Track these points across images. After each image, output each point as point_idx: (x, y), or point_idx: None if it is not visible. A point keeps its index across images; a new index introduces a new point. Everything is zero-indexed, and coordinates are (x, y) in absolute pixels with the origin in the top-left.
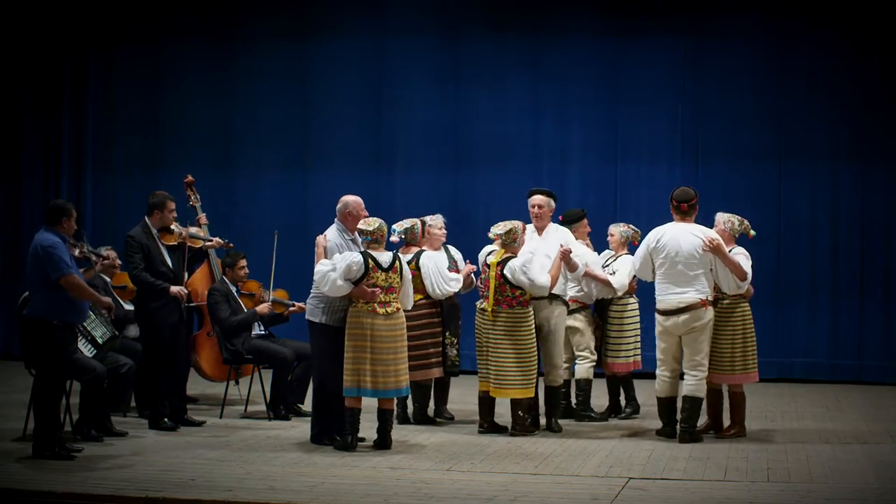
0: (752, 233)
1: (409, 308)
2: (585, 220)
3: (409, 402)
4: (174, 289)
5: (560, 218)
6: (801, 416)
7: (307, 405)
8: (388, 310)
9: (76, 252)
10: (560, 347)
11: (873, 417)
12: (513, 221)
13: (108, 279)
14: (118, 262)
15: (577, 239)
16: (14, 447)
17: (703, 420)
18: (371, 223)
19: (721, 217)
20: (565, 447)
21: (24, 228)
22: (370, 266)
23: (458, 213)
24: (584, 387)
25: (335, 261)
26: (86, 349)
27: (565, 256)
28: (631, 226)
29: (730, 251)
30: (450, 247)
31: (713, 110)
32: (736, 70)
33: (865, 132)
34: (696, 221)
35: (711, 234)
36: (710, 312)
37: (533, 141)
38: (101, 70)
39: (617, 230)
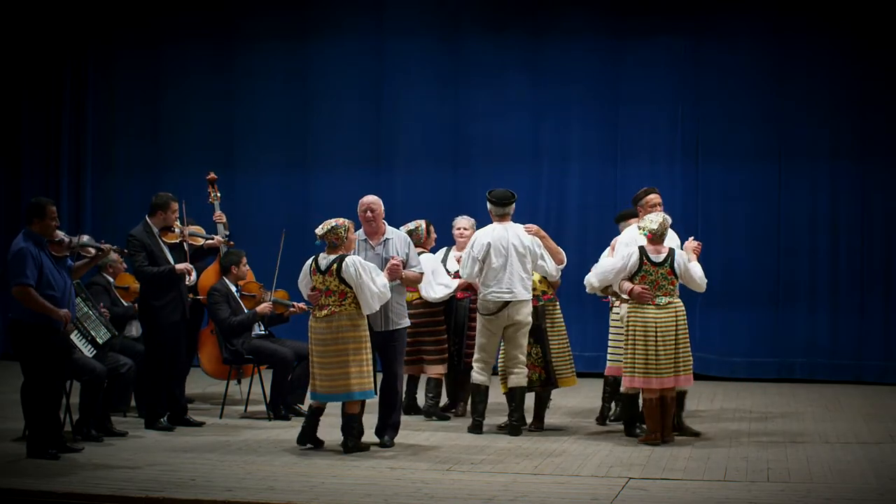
0: (642, 233)
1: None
2: (632, 221)
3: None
4: (180, 266)
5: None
6: (801, 416)
7: (307, 405)
8: (324, 312)
9: (63, 250)
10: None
11: (873, 417)
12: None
13: (111, 279)
14: (123, 262)
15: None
16: (14, 447)
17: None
18: (325, 226)
19: None
20: (565, 447)
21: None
22: (311, 269)
23: (457, 213)
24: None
25: None
26: (86, 349)
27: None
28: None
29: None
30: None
31: (713, 110)
32: (736, 70)
33: (865, 132)
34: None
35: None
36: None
37: (533, 141)
38: (100, 70)
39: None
